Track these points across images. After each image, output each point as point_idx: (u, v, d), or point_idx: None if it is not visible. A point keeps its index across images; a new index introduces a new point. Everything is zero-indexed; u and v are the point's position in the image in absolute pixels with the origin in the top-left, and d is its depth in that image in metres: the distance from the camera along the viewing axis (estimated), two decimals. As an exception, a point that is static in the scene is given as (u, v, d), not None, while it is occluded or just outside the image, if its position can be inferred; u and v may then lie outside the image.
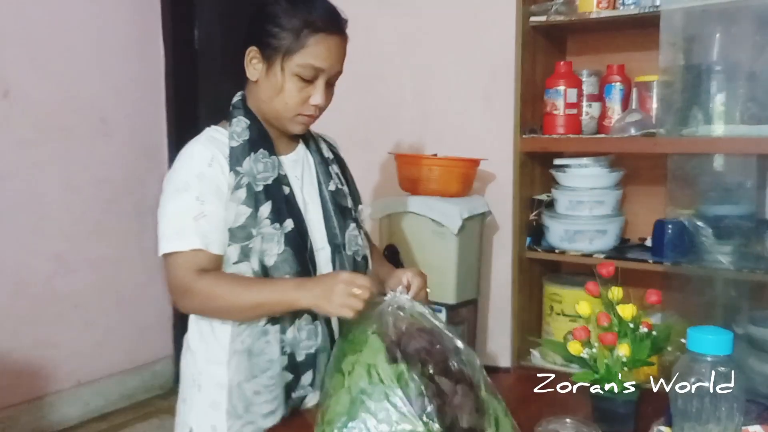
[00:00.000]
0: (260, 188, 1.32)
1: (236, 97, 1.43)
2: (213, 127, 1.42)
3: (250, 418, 1.32)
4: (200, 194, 1.29)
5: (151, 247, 3.85)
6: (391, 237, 2.52)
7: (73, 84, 3.15)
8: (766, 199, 2.02)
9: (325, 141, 1.57)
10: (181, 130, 3.57)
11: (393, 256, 2.46)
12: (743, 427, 1.04)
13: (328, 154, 1.52)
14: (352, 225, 1.46)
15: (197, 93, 3.64)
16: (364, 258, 1.47)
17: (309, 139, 1.50)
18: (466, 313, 2.58)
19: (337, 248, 1.42)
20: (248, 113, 1.39)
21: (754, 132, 1.90)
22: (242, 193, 1.31)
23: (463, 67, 2.75)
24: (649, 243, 2.23)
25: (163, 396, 3.53)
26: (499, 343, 2.70)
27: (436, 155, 2.66)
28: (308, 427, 1.31)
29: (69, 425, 3.17)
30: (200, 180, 1.30)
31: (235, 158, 1.33)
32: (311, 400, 1.39)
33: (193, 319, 1.42)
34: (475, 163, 2.56)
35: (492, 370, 1.21)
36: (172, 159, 3.53)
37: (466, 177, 2.54)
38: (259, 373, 1.32)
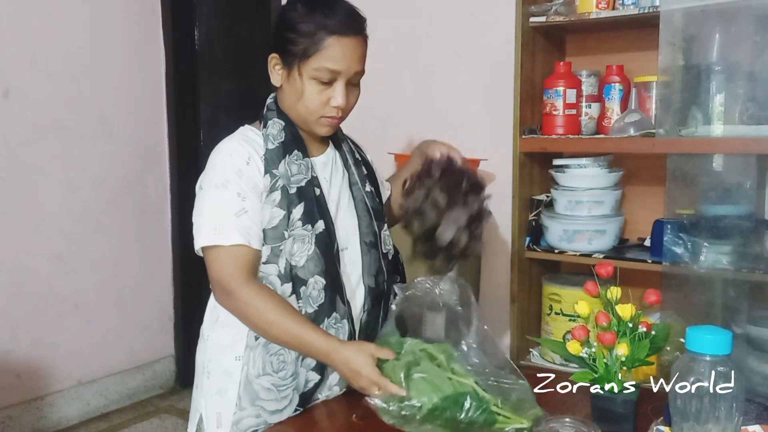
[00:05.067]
0: (294, 190, 1.35)
1: (269, 99, 1.45)
2: (247, 126, 1.44)
3: (255, 411, 1.35)
4: (241, 191, 1.33)
5: (151, 247, 3.87)
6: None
7: (73, 84, 3.15)
8: (765, 199, 2.02)
9: (354, 143, 1.60)
10: (181, 130, 3.58)
11: (393, 256, 2.46)
12: (743, 427, 1.04)
13: (358, 156, 1.55)
14: (384, 226, 1.51)
15: (197, 93, 3.64)
16: (393, 258, 1.53)
17: (340, 140, 1.52)
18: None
19: (368, 247, 1.45)
20: (281, 115, 1.41)
21: (753, 132, 1.90)
22: (277, 195, 1.34)
23: (462, 67, 2.75)
24: (648, 243, 2.24)
25: (164, 395, 3.54)
26: (498, 342, 2.69)
27: (435, 155, 2.66)
28: (314, 425, 1.32)
29: (69, 425, 3.18)
30: (239, 176, 1.33)
31: (271, 161, 1.36)
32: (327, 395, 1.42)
33: (209, 308, 1.46)
34: (475, 163, 2.56)
35: (491, 370, 1.25)
36: (172, 159, 3.57)
37: (465, 177, 2.54)
38: (272, 372, 1.34)
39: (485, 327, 1.37)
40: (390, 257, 1.51)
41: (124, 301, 3.42)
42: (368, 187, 1.51)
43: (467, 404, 1.19)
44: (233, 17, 3.61)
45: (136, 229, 3.46)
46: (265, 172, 1.35)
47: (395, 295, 1.45)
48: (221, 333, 1.42)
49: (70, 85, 3.14)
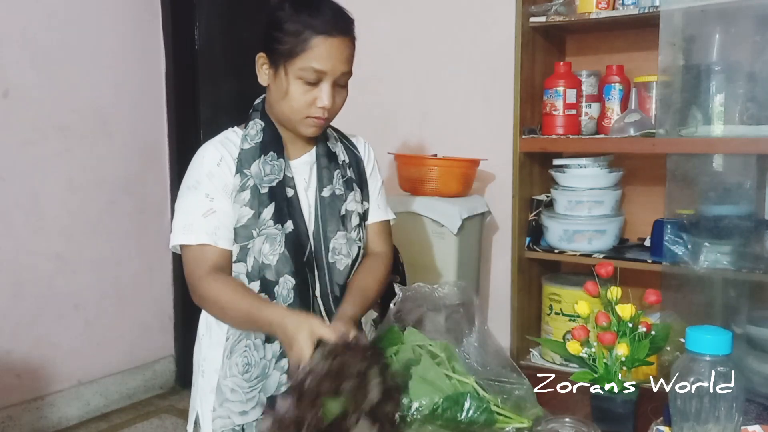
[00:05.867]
0: (265, 190, 1.36)
1: (257, 100, 1.46)
2: (232, 128, 1.46)
3: (224, 413, 1.37)
4: (209, 192, 1.35)
5: (151, 247, 3.87)
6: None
7: (73, 84, 3.15)
8: (766, 199, 2.02)
9: (349, 143, 1.56)
10: (181, 130, 3.58)
11: (393, 257, 2.46)
12: (742, 427, 1.04)
13: (343, 157, 1.50)
14: (342, 233, 1.43)
15: (197, 93, 3.64)
16: (347, 268, 1.44)
17: (324, 141, 1.50)
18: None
19: (332, 253, 1.42)
20: (264, 116, 1.43)
21: (753, 132, 1.90)
22: (246, 195, 1.35)
23: (462, 67, 2.75)
24: (648, 243, 2.24)
25: (164, 395, 3.54)
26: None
27: (436, 155, 2.67)
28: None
29: (69, 425, 3.17)
30: (210, 178, 1.36)
31: (244, 161, 1.37)
32: None
33: (203, 310, 1.48)
34: (475, 163, 2.56)
35: (491, 370, 1.25)
36: (172, 159, 3.57)
37: (465, 177, 2.54)
38: (237, 374, 1.36)
39: (486, 327, 1.37)
40: (340, 268, 1.42)
41: (124, 301, 3.42)
42: (336, 191, 1.45)
43: (467, 404, 1.20)
44: (233, 17, 3.61)
45: (136, 229, 3.46)
46: (236, 172, 1.36)
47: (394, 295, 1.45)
48: (212, 332, 1.45)
49: (70, 85, 3.14)
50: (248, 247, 1.35)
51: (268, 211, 1.35)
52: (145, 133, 3.49)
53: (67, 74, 3.12)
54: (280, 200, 1.37)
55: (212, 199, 1.35)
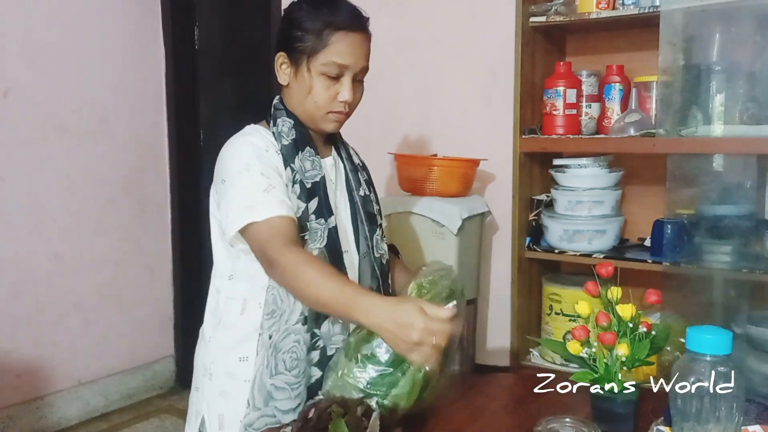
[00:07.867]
0: (309, 185, 1.38)
1: (275, 100, 1.47)
2: (253, 125, 1.45)
3: (269, 411, 1.33)
4: (264, 171, 1.34)
5: (151, 247, 3.87)
6: (391, 237, 2.53)
7: (73, 84, 3.15)
8: (766, 199, 2.02)
9: (353, 149, 1.61)
10: (181, 130, 3.58)
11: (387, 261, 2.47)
12: (743, 427, 1.04)
13: (357, 160, 1.57)
14: (378, 230, 1.50)
15: (197, 93, 3.64)
16: (387, 263, 1.51)
17: (341, 144, 1.55)
18: (465, 313, 2.58)
19: (363, 252, 1.45)
20: (290, 114, 1.43)
21: (753, 132, 1.90)
22: (297, 188, 1.36)
23: (463, 67, 2.75)
24: (648, 243, 2.23)
25: (164, 396, 3.54)
26: (498, 342, 2.70)
27: (436, 155, 2.66)
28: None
29: (69, 425, 3.18)
30: (260, 161, 1.35)
31: (288, 156, 1.38)
32: None
33: (209, 310, 1.46)
34: (475, 163, 2.56)
35: (491, 370, 1.25)
36: (172, 159, 3.57)
37: (465, 177, 2.54)
38: (284, 371, 1.33)
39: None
40: (384, 261, 1.51)
41: (124, 301, 3.42)
42: (366, 192, 1.53)
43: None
44: (233, 17, 3.61)
45: (136, 229, 3.46)
46: (285, 166, 1.37)
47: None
48: (225, 335, 1.42)
49: (70, 85, 3.14)
50: (305, 238, 1.35)
51: (312, 206, 1.36)
52: (145, 133, 3.49)
53: (67, 74, 3.12)
54: (322, 196, 1.38)
55: (268, 177, 1.33)
